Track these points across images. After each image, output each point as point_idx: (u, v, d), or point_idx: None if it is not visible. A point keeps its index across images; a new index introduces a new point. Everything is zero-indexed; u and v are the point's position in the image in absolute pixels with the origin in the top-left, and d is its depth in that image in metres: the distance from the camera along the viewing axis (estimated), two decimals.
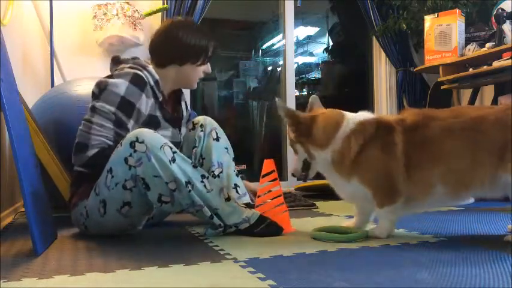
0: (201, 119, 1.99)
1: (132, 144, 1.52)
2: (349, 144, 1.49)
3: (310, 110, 1.64)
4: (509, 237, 1.42)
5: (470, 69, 2.76)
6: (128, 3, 2.99)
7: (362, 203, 1.61)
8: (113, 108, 1.67)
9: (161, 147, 1.52)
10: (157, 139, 1.53)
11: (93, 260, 1.32)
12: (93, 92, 1.73)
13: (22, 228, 1.87)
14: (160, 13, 3.16)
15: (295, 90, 3.88)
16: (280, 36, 4.04)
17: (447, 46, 2.90)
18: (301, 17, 4.41)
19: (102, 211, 1.60)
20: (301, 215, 2.17)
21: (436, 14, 2.96)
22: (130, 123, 1.71)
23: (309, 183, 3.11)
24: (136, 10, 3.01)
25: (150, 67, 1.79)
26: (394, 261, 1.22)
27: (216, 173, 1.90)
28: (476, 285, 0.99)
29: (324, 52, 5.03)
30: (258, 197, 1.74)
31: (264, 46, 4.75)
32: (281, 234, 1.63)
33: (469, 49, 2.81)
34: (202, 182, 1.56)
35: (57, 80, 2.92)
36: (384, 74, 3.92)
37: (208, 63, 1.89)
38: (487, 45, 2.68)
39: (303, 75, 4.97)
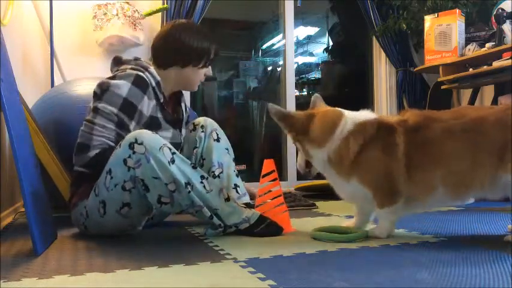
0: (201, 120, 2.00)
1: (131, 146, 1.52)
2: (347, 144, 1.49)
3: (312, 109, 1.64)
4: (509, 237, 1.42)
5: (470, 69, 2.76)
6: (127, 3, 2.99)
7: (362, 203, 1.61)
8: (115, 110, 1.67)
9: (160, 148, 1.52)
10: (156, 140, 1.53)
11: (93, 260, 1.32)
12: (94, 93, 1.73)
13: (22, 228, 1.87)
14: (160, 13, 3.16)
15: (295, 90, 3.88)
16: (280, 36, 4.04)
17: (447, 46, 2.90)
18: (301, 17, 4.41)
19: (102, 211, 1.60)
20: (301, 215, 2.17)
21: (436, 14, 2.96)
22: (132, 125, 1.71)
23: (309, 183, 3.12)
24: (136, 10, 3.01)
25: (152, 68, 1.79)
26: (394, 261, 1.22)
27: (217, 173, 1.90)
28: (476, 285, 0.99)
29: (324, 52, 5.02)
30: (259, 197, 1.74)
31: (264, 46, 4.75)
32: (281, 234, 1.63)
33: (469, 49, 2.81)
34: (201, 182, 1.56)
35: (57, 80, 2.92)
36: (383, 74, 3.92)
37: (209, 66, 1.90)
38: (487, 45, 2.68)
39: (303, 75, 4.97)
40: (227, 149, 1.98)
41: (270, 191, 1.74)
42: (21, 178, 1.37)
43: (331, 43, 5.01)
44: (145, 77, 1.73)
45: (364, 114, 1.55)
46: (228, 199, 1.61)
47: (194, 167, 1.58)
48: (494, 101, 3.02)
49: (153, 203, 1.57)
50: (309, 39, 5.04)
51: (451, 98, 3.59)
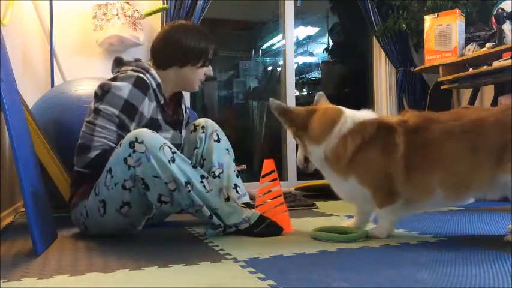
0: (202, 121, 2.00)
1: (131, 145, 1.52)
2: (345, 143, 1.49)
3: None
4: (509, 237, 1.42)
5: (470, 69, 2.77)
6: (127, 3, 2.99)
7: (361, 203, 1.61)
8: (116, 111, 1.68)
9: (161, 147, 1.52)
10: (156, 139, 1.53)
11: (93, 260, 1.32)
12: (95, 94, 1.73)
13: (22, 228, 1.87)
14: (160, 13, 3.16)
15: (295, 90, 3.88)
16: (280, 36, 4.04)
17: (447, 46, 2.90)
18: (301, 17, 4.41)
19: (102, 211, 1.61)
20: (301, 215, 2.17)
21: (436, 14, 2.96)
22: (133, 126, 1.72)
23: (309, 183, 3.12)
24: (136, 10, 3.01)
25: (153, 70, 1.79)
26: (394, 261, 1.22)
27: (217, 173, 1.91)
28: (476, 285, 0.99)
29: (324, 52, 5.02)
30: (258, 197, 1.74)
31: (264, 46, 4.75)
32: (281, 234, 1.63)
33: (469, 49, 2.82)
34: (201, 182, 1.56)
35: (57, 80, 2.92)
36: (384, 74, 3.92)
37: (210, 66, 1.89)
38: (487, 45, 2.68)
39: (303, 75, 4.97)
40: (227, 150, 1.98)
41: (270, 191, 1.74)
42: (21, 178, 1.37)
43: (331, 43, 5.01)
44: (146, 79, 1.74)
45: (364, 114, 1.55)
46: (228, 199, 1.61)
47: (194, 167, 1.58)
48: (494, 101, 3.02)
49: (153, 202, 1.57)
50: (309, 39, 5.04)
51: (451, 98, 3.59)
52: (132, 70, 1.75)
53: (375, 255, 1.31)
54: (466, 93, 3.49)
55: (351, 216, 1.82)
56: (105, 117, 1.67)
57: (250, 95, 4.70)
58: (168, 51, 1.81)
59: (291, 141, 3.72)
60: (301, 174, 3.69)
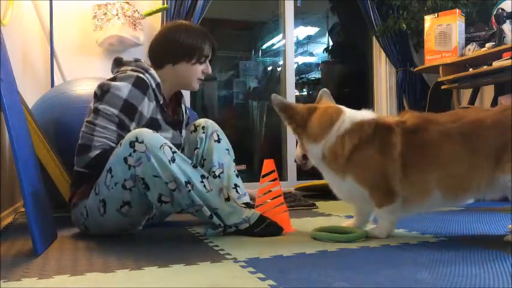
0: (202, 121, 2.01)
1: (131, 144, 1.52)
2: (342, 142, 1.50)
3: (317, 103, 1.65)
4: (509, 237, 1.42)
5: (470, 69, 2.77)
6: (127, 3, 2.99)
7: (360, 203, 1.61)
8: (116, 111, 1.68)
9: (161, 147, 1.52)
10: (156, 139, 1.54)
11: (93, 260, 1.32)
12: (95, 94, 1.73)
13: (22, 228, 1.87)
14: (160, 13, 3.16)
15: (295, 90, 3.88)
16: (280, 36, 4.05)
17: (447, 46, 2.90)
18: (301, 17, 4.41)
19: (102, 210, 1.61)
20: (301, 215, 2.17)
21: (436, 14, 2.96)
22: (133, 126, 1.72)
23: (309, 183, 3.12)
24: (136, 10, 3.01)
25: (152, 70, 1.79)
26: (394, 261, 1.22)
27: (217, 173, 1.91)
28: (476, 285, 0.99)
29: (324, 52, 5.02)
30: (258, 197, 1.74)
31: (264, 46, 4.75)
32: (281, 234, 1.63)
33: (469, 49, 2.82)
34: (202, 182, 1.56)
35: (57, 80, 2.92)
36: (384, 74, 3.92)
37: (208, 64, 1.89)
38: (487, 45, 2.68)
39: (303, 75, 4.97)
40: (227, 150, 1.99)
41: (270, 191, 1.74)
42: (21, 178, 1.37)
43: (331, 43, 5.01)
44: (145, 79, 1.74)
45: (364, 114, 1.56)
46: (228, 199, 1.61)
47: (194, 166, 1.58)
48: (494, 101, 3.02)
49: (154, 202, 1.57)
50: (309, 39, 5.04)
51: (451, 98, 3.59)
52: (132, 70, 1.75)
53: (375, 255, 1.31)
54: (466, 93, 3.49)
55: (351, 216, 1.82)
56: (105, 117, 1.67)
57: (250, 95, 4.70)
58: (161, 48, 1.83)
59: (291, 141, 3.72)
60: (301, 174, 3.69)
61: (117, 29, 2.93)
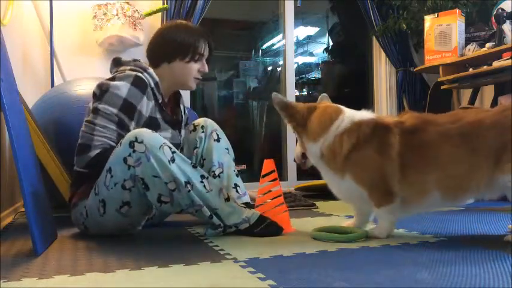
0: (201, 121, 2.01)
1: (131, 144, 1.52)
2: (341, 141, 1.50)
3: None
4: (509, 237, 1.42)
5: (470, 69, 2.77)
6: (128, 3, 2.99)
7: (359, 203, 1.62)
8: (115, 110, 1.68)
9: (160, 147, 1.52)
10: (156, 139, 1.53)
11: (93, 260, 1.32)
12: (94, 94, 1.74)
13: (22, 228, 1.87)
14: (160, 13, 3.16)
15: (295, 90, 3.88)
16: (280, 36, 4.05)
17: (447, 46, 2.90)
18: (301, 17, 4.41)
19: (102, 211, 1.61)
20: (301, 215, 2.17)
21: (436, 14, 2.96)
22: (132, 125, 1.72)
23: (309, 183, 3.12)
24: (136, 10, 3.01)
25: (151, 69, 1.79)
26: (394, 261, 1.22)
27: (217, 173, 1.91)
28: (476, 284, 0.99)
29: (324, 52, 5.02)
30: (258, 197, 1.74)
31: (264, 46, 4.75)
32: (281, 234, 1.63)
33: (469, 49, 2.82)
34: (201, 182, 1.56)
35: (57, 80, 2.92)
36: (384, 74, 3.92)
37: (204, 62, 1.89)
38: (487, 45, 2.68)
39: (303, 75, 4.97)
40: (227, 149, 1.99)
41: (270, 191, 1.74)
42: (21, 178, 1.37)
43: (331, 43, 5.01)
44: (144, 78, 1.74)
45: (363, 114, 1.56)
46: (228, 199, 1.61)
47: (194, 166, 1.58)
48: (494, 101, 3.02)
49: (153, 202, 1.57)
50: (309, 39, 5.04)
51: (451, 98, 3.59)
52: (130, 69, 1.76)
53: (375, 255, 1.31)
54: (466, 93, 3.49)
55: (351, 216, 1.82)
56: (105, 117, 1.68)
57: (250, 95, 4.70)
58: (157, 47, 1.84)
59: (291, 141, 3.72)
60: (301, 174, 3.69)
61: (117, 29, 2.93)
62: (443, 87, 3.04)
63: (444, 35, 2.91)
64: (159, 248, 1.48)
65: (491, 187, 1.42)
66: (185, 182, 1.52)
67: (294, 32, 3.85)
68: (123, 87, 1.69)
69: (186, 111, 2.05)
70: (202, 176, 1.58)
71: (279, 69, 4.35)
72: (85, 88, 2.36)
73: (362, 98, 4.24)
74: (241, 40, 4.79)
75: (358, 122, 1.52)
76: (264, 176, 1.74)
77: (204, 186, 1.56)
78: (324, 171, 1.59)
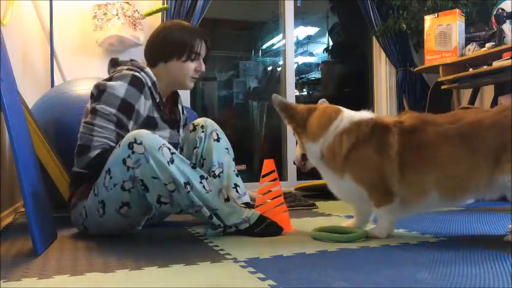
0: (201, 120, 2.01)
1: (130, 146, 1.52)
2: (340, 141, 1.50)
3: None
4: (509, 237, 1.42)
5: (470, 69, 2.77)
6: (128, 3, 2.99)
7: (358, 203, 1.62)
8: (113, 110, 1.68)
9: (159, 148, 1.52)
10: (155, 140, 1.53)
11: (93, 260, 1.32)
12: (92, 94, 1.74)
13: (22, 228, 1.87)
14: (160, 13, 3.16)
15: (295, 90, 3.88)
16: (280, 36, 4.04)
17: (447, 46, 2.90)
18: (301, 17, 4.41)
19: (101, 211, 1.60)
20: (301, 215, 2.17)
21: (436, 14, 2.96)
22: (131, 125, 1.72)
23: (309, 183, 3.12)
24: (136, 10, 3.01)
25: (148, 69, 1.80)
26: (394, 261, 1.22)
27: (217, 173, 1.91)
28: (476, 284, 0.99)
29: (324, 52, 5.02)
30: (258, 197, 1.74)
31: (264, 46, 4.75)
32: (281, 234, 1.63)
33: (469, 49, 2.82)
34: (201, 182, 1.56)
35: (57, 80, 2.92)
36: (384, 74, 3.92)
37: (202, 61, 1.88)
38: (487, 45, 2.68)
39: (303, 75, 4.97)
40: (227, 149, 1.99)
41: (270, 191, 1.74)
42: (21, 178, 1.37)
43: (331, 43, 5.01)
44: (141, 77, 1.74)
45: (362, 114, 1.57)
46: (227, 199, 1.61)
47: (193, 167, 1.58)
48: (494, 101, 3.02)
49: (153, 203, 1.57)
50: (309, 39, 5.04)
51: (451, 98, 3.59)
52: (128, 69, 1.76)
53: (375, 255, 1.31)
54: (466, 93, 3.49)
55: (351, 216, 1.82)
56: (103, 117, 1.67)
57: (250, 95, 4.70)
58: (154, 47, 1.85)
59: (291, 141, 3.72)
60: (301, 174, 3.68)
61: (117, 29, 2.93)
62: (443, 87, 3.04)
63: (444, 35, 2.91)
64: (159, 248, 1.48)
65: (490, 187, 1.42)
66: (184, 182, 1.52)
67: (294, 32, 3.85)
68: (120, 87, 1.69)
69: (184, 111, 2.05)
70: (202, 177, 1.58)
71: (279, 69, 4.35)
72: (85, 88, 2.35)
73: (362, 98, 4.24)
74: (241, 40, 4.79)
75: (357, 121, 1.52)
76: (264, 176, 1.74)
77: (204, 186, 1.56)
78: (324, 171, 1.59)
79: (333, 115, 1.55)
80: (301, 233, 1.67)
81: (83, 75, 2.68)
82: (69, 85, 2.49)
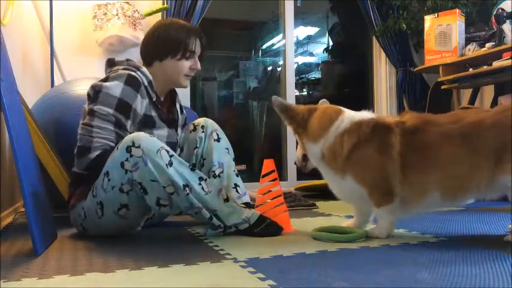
0: (201, 120, 2.00)
1: (128, 149, 1.52)
2: (341, 141, 1.50)
3: None
4: (509, 237, 1.42)
5: (470, 69, 2.77)
6: (128, 3, 2.99)
7: (359, 203, 1.61)
8: (111, 110, 1.68)
9: (158, 151, 1.51)
10: (153, 143, 1.53)
11: (93, 260, 1.32)
12: (88, 95, 1.73)
13: (22, 228, 1.87)
14: (160, 13, 3.16)
15: (295, 90, 3.88)
16: (280, 36, 4.04)
17: (447, 46, 2.90)
18: (301, 17, 4.41)
19: (100, 213, 1.60)
20: (301, 215, 2.17)
21: (436, 14, 2.96)
22: (129, 124, 1.72)
23: (309, 183, 3.12)
24: (136, 10, 3.01)
25: (143, 68, 1.80)
26: (394, 260, 1.22)
27: (217, 173, 1.91)
28: (476, 284, 0.99)
29: (324, 52, 5.02)
30: (258, 197, 1.74)
31: (264, 46, 4.75)
32: (281, 234, 1.63)
33: (469, 49, 2.82)
34: (200, 184, 1.56)
35: (57, 80, 2.92)
36: (384, 74, 3.92)
37: (197, 59, 1.88)
38: (487, 45, 2.68)
39: (303, 75, 4.97)
40: (227, 149, 1.98)
41: (270, 191, 1.74)
42: (21, 178, 1.37)
43: (331, 43, 5.01)
44: (137, 76, 1.74)
45: (363, 114, 1.56)
46: (227, 199, 1.61)
47: (192, 169, 1.57)
48: (494, 101, 3.02)
49: (152, 206, 1.56)
50: (309, 39, 5.04)
51: (451, 98, 3.59)
52: (123, 69, 1.76)
53: (375, 255, 1.31)
54: (466, 93, 3.49)
55: (351, 216, 1.82)
56: (101, 118, 1.67)
57: (250, 95, 4.70)
58: (148, 46, 1.85)
59: (291, 141, 3.72)
60: (301, 174, 3.68)
61: (117, 29, 2.93)
62: (443, 87, 3.04)
63: (444, 35, 2.91)
64: (159, 248, 1.48)
65: (491, 187, 1.42)
66: (183, 185, 1.52)
67: (294, 32, 3.85)
68: (116, 87, 1.69)
69: (184, 110, 2.05)
70: (201, 178, 1.58)
71: (279, 69, 4.35)
72: (85, 88, 2.33)
73: (362, 98, 4.23)
74: (241, 40, 4.79)
75: (358, 122, 1.52)
76: (264, 176, 1.74)
77: (203, 188, 1.56)
78: (325, 171, 1.59)
79: (334, 116, 1.55)
80: (301, 233, 1.67)
81: (83, 75, 2.68)
82: (69, 85, 2.49)
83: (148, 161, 1.50)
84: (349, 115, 1.55)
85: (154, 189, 1.52)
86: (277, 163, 1.78)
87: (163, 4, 3.17)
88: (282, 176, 3.72)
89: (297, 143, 1.69)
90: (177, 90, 2.00)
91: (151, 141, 1.53)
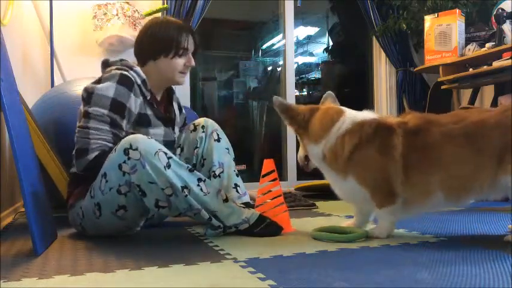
0: (202, 120, 2.00)
1: (126, 152, 1.52)
2: (343, 142, 1.50)
3: (321, 105, 1.66)
4: (509, 237, 1.42)
5: (470, 69, 2.77)
6: (128, 3, 2.99)
7: (361, 204, 1.61)
8: (105, 111, 1.68)
9: (155, 153, 1.51)
10: (151, 145, 1.53)
11: (93, 260, 1.32)
12: (82, 97, 1.74)
13: (22, 228, 1.87)
14: (160, 13, 3.16)
15: (295, 90, 3.88)
16: (280, 36, 4.04)
17: (447, 46, 2.90)
18: (301, 17, 4.41)
19: (98, 213, 1.60)
20: (301, 215, 2.17)
21: (436, 14, 2.96)
22: (124, 123, 1.72)
23: (309, 183, 3.12)
24: (136, 10, 3.01)
25: (137, 67, 1.80)
26: (394, 261, 1.22)
27: (217, 173, 1.91)
28: (476, 284, 0.99)
29: (324, 52, 5.02)
30: (258, 197, 1.74)
31: (264, 46, 4.75)
32: (281, 234, 1.63)
33: (469, 49, 2.82)
34: (198, 185, 1.56)
35: (57, 80, 2.92)
36: (384, 74, 3.92)
37: (190, 56, 1.88)
38: (487, 45, 2.68)
39: (303, 75, 4.97)
40: (227, 149, 1.98)
41: (270, 191, 1.74)
42: (21, 178, 1.37)
43: (331, 43, 5.01)
44: (129, 75, 1.74)
45: (365, 114, 1.56)
46: (226, 200, 1.61)
47: (191, 170, 1.57)
48: (494, 101, 3.02)
49: (150, 207, 1.56)
50: (309, 39, 5.04)
51: (451, 98, 3.59)
52: (116, 69, 1.76)
53: (375, 255, 1.31)
54: (466, 93, 3.49)
55: (351, 216, 1.82)
56: (97, 119, 1.67)
57: (250, 95, 4.70)
58: (141, 45, 1.85)
59: (291, 141, 3.72)
60: (301, 174, 3.69)
61: (117, 29, 2.93)
62: (443, 87, 3.04)
63: (444, 35, 2.91)
64: (159, 248, 1.48)
65: (494, 188, 1.41)
66: (182, 186, 1.52)
67: (294, 32, 3.85)
68: (109, 88, 1.69)
69: (183, 109, 2.05)
70: (199, 179, 1.57)
71: (279, 69, 4.35)
72: None
73: (362, 98, 4.23)
74: (241, 40, 4.79)
75: (360, 122, 1.51)
76: (264, 176, 1.74)
77: (201, 189, 1.56)
78: (327, 172, 1.58)
79: (335, 116, 1.54)
80: (301, 233, 1.67)
81: (83, 75, 2.67)
82: (69, 85, 2.49)
83: (147, 163, 1.50)
84: (351, 115, 1.54)
85: (153, 191, 1.51)
86: (277, 163, 1.78)
87: (163, 4, 3.17)
88: (282, 176, 3.72)
89: (297, 142, 1.69)
90: (177, 89, 2.00)
91: (149, 144, 1.53)
